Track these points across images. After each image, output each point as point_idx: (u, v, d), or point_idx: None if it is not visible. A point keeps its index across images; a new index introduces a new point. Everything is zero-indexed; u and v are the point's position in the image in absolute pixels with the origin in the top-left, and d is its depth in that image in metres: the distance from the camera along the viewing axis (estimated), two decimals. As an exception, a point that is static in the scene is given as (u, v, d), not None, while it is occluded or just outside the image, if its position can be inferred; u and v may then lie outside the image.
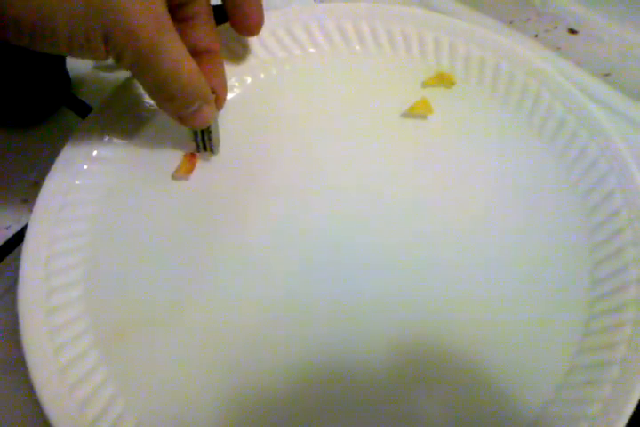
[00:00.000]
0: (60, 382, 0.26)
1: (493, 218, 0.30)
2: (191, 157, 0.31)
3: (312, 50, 0.35)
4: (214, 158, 0.32)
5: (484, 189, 0.31)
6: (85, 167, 0.30)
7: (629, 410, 0.24)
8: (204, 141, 0.31)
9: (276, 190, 0.31)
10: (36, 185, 0.32)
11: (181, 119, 0.28)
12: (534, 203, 0.30)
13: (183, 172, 0.31)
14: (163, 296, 0.28)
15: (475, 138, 0.32)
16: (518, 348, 0.27)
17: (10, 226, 0.34)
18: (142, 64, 0.24)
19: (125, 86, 0.32)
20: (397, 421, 0.26)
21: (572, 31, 0.39)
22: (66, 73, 0.38)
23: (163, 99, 0.27)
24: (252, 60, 0.34)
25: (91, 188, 0.30)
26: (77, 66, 0.39)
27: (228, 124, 0.32)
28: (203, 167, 0.32)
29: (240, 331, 0.27)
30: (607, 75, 0.37)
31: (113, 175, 0.31)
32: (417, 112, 0.33)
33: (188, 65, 0.25)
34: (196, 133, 0.30)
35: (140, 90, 0.32)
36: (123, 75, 0.33)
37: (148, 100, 0.32)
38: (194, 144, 0.31)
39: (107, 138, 0.31)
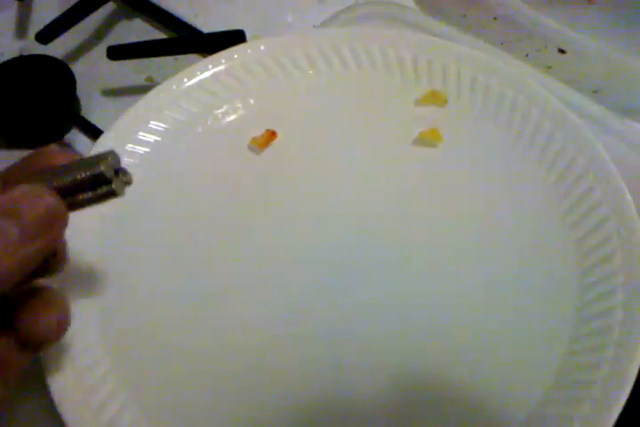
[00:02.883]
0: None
1: (495, 246, 0.31)
2: (272, 134, 0.34)
3: (311, 71, 0.37)
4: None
5: (482, 215, 0.32)
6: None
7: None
8: None
9: (289, 214, 0.32)
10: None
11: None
12: (530, 231, 0.31)
13: (257, 143, 0.34)
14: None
15: (470, 162, 0.33)
16: (507, 360, 0.28)
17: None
18: None
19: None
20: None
21: (562, 51, 0.40)
22: (76, 98, 0.40)
23: None
24: (251, 83, 0.36)
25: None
26: (88, 92, 0.41)
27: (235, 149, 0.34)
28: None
29: (244, 354, 0.28)
30: (595, 92, 0.38)
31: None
32: (427, 141, 0.34)
33: None
34: None
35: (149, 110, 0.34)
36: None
37: (156, 123, 0.34)
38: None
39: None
